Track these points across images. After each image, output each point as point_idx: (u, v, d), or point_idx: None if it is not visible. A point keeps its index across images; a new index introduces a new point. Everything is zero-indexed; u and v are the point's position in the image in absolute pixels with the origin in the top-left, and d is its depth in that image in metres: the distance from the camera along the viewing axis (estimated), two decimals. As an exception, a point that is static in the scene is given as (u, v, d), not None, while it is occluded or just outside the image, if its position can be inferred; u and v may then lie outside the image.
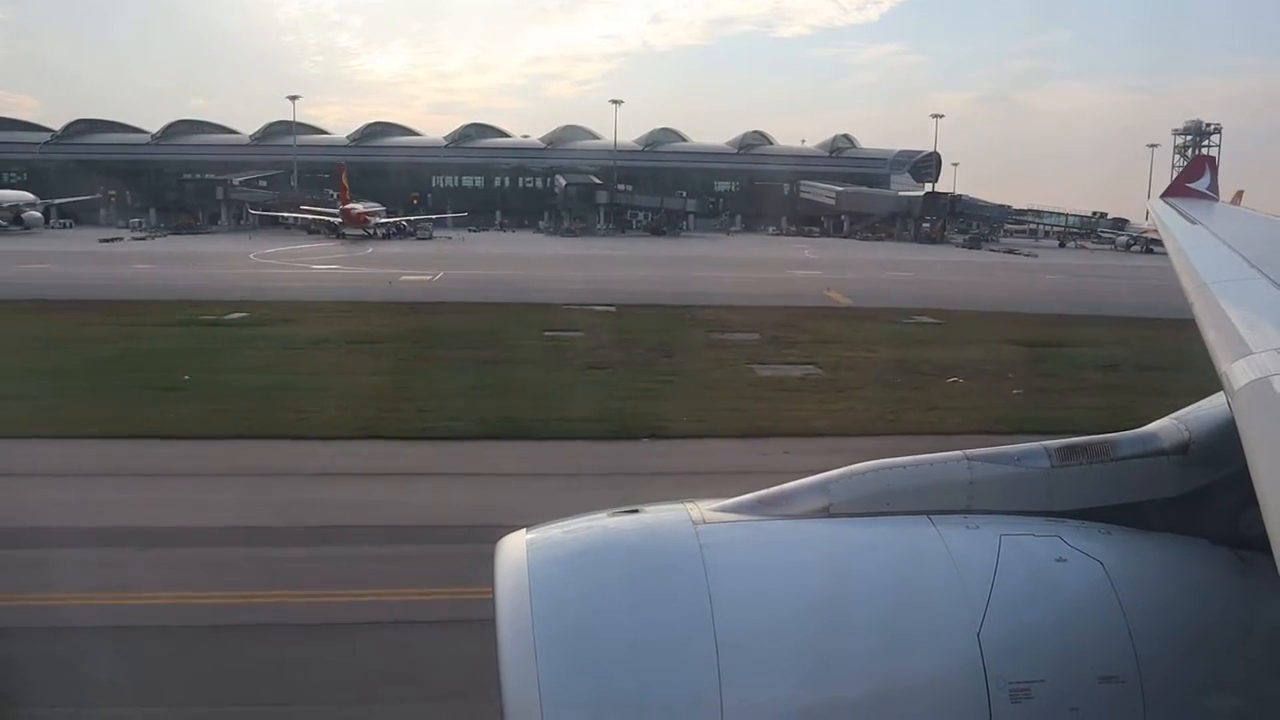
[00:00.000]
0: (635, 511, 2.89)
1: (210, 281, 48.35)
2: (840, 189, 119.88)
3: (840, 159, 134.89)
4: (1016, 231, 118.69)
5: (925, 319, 36.88)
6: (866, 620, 2.66)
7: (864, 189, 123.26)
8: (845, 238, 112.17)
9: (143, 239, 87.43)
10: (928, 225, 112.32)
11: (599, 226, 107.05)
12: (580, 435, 17.76)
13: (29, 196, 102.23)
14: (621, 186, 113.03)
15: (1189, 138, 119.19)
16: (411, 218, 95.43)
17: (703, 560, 2.65)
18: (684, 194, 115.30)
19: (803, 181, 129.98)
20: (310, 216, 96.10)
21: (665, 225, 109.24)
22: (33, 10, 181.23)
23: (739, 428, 18.78)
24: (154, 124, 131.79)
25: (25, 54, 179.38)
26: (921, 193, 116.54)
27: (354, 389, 21.64)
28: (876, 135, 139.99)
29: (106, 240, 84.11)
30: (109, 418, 18.54)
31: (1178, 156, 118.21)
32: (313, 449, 16.63)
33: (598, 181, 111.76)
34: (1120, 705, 2.65)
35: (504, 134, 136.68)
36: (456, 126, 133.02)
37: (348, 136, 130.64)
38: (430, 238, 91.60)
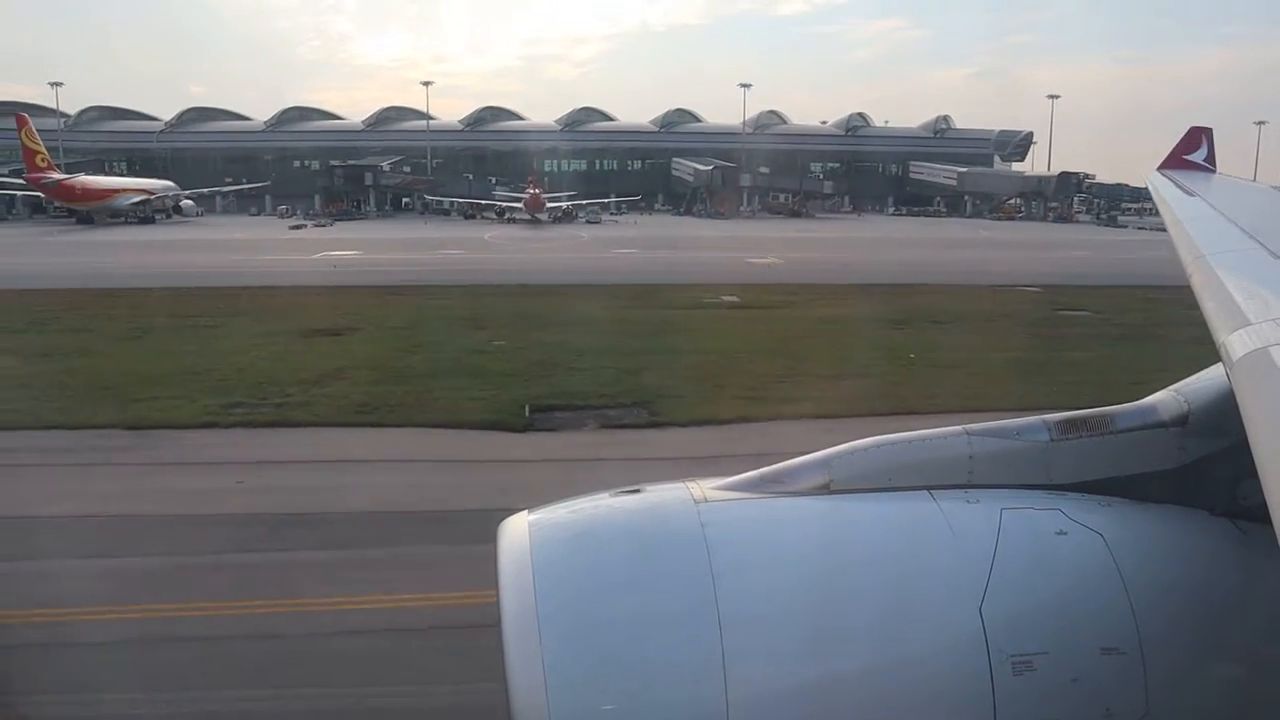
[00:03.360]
0: (637, 491, 2.91)
1: (555, 264, 48.71)
2: (963, 170, 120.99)
3: (945, 139, 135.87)
4: (1129, 209, 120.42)
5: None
6: (868, 596, 2.68)
7: (989, 169, 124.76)
8: (970, 218, 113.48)
9: (323, 226, 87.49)
10: (1055, 204, 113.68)
11: (743, 209, 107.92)
12: None
13: (172, 185, 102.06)
14: (762, 169, 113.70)
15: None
16: (583, 202, 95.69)
17: (704, 538, 2.67)
18: (820, 176, 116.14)
19: (913, 162, 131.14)
20: (485, 203, 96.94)
21: (802, 207, 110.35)
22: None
23: None
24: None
25: (21, 42, 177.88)
26: (1055, 173, 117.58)
27: (1104, 365, 22.73)
28: (884, 111, 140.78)
29: (296, 227, 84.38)
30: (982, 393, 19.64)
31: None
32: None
33: (731, 165, 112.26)
34: (1122, 676, 2.66)
35: (610, 118, 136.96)
36: (568, 110, 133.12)
37: (460, 121, 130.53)
38: (599, 222, 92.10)
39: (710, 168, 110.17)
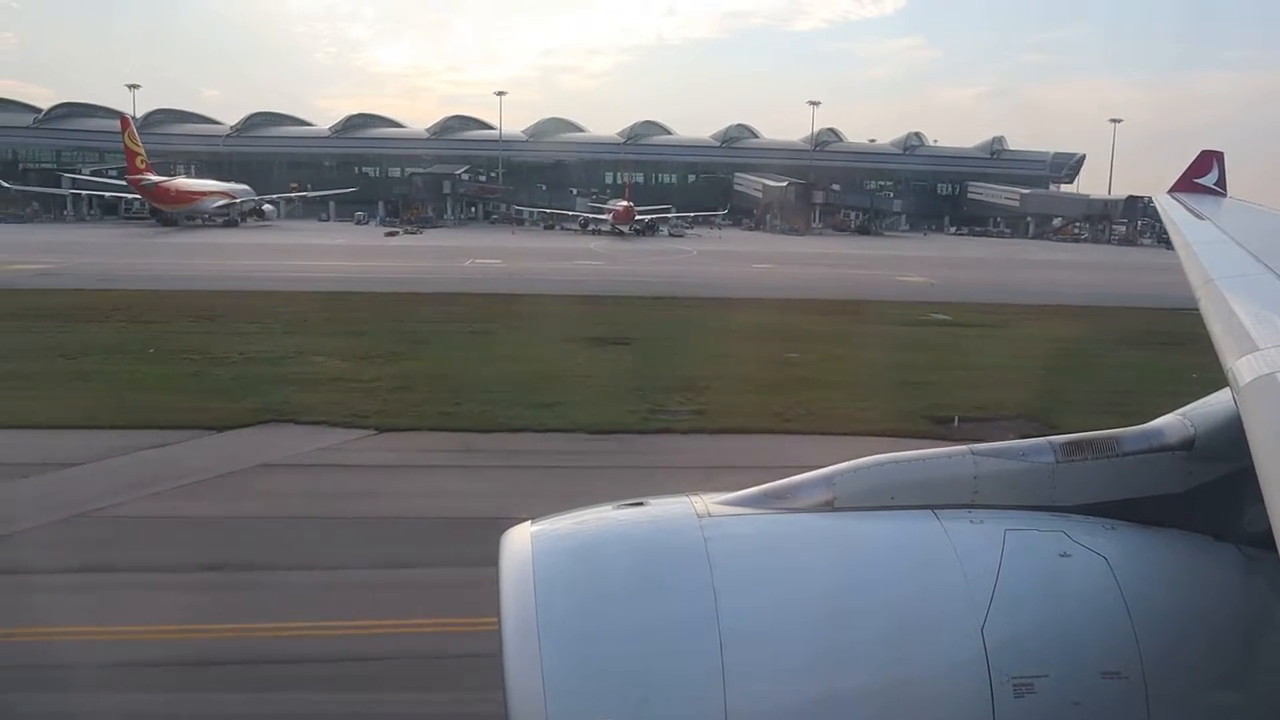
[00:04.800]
0: (640, 504, 2.92)
1: (711, 278, 49.07)
2: (1026, 191, 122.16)
3: (1001, 160, 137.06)
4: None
5: None
6: (870, 615, 2.68)
7: (1054, 191, 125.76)
8: (1034, 239, 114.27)
9: (414, 233, 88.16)
10: (1122, 227, 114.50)
11: (815, 225, 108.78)
12: None
13: (248, 189, 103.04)
14: (834, 186, 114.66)
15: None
16: (671, 215, 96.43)
17: (707, 553, 2.68)
18: (891, 194, 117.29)
19: (971, 182, 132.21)
20: (571, 213, 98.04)
21: (871, 225, 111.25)
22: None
23: None
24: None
25: (36, 43, 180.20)
26: (1122, 196, 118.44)
27: None
28: (901, 129, 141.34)
29: (391, 234, 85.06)
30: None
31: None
32: None
33: (804, 182, 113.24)
34: (1123, 701, 2.65)
35: (669, 131, 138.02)
36: (630, 123, 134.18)
37: (523, 131, 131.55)
38: (683, 235, 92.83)
39: (784, 184, 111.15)
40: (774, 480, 2.96)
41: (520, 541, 2.79)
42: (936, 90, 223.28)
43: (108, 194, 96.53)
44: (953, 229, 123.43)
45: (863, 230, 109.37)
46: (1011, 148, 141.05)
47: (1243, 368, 2.83)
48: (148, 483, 13.49)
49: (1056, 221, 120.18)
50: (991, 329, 33.03)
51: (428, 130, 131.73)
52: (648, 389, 20.51)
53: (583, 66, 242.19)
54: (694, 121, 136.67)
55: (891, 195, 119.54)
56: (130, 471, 14.12)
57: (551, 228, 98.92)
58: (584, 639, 2.55)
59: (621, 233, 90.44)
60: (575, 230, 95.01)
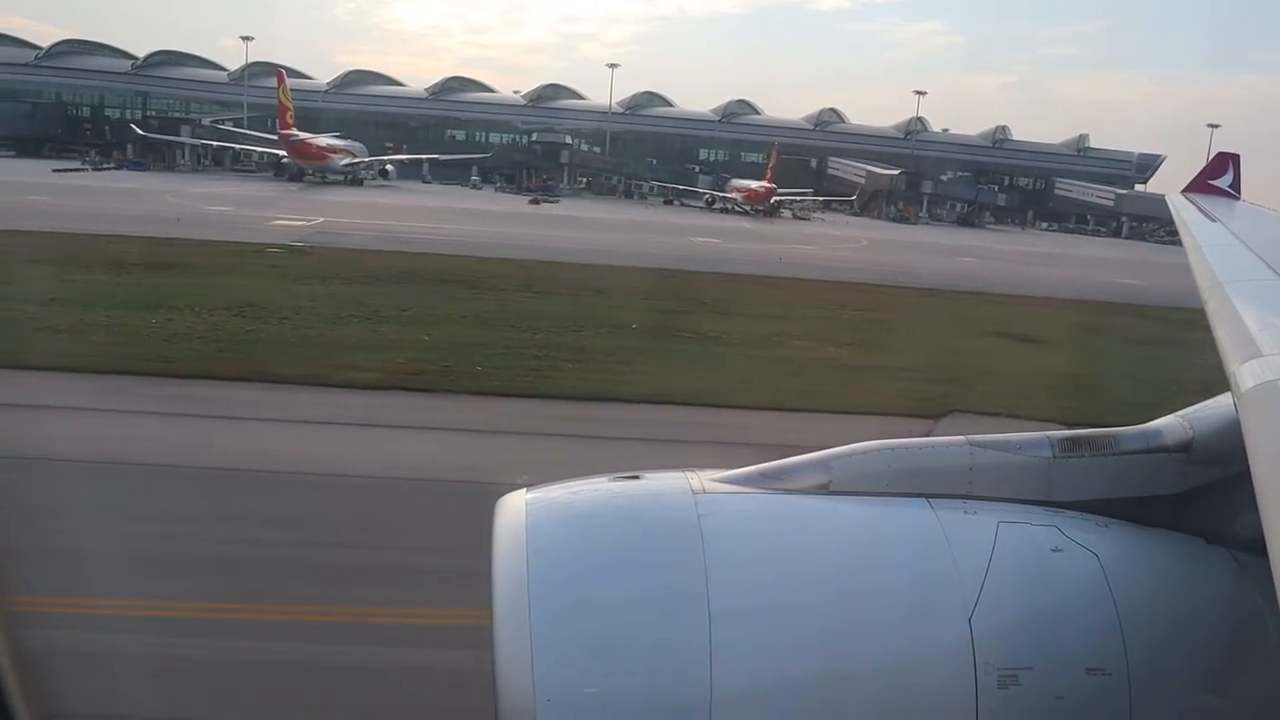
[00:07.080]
0: (636, 477, 2.94)
1: (940, 270, 49.57)
2: (1123, 191, 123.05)
3: (1087, 158, 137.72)
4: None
5: None
6: (860, 599, 2.70)
7: (1151, 193, 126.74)
8: (1128, 239, 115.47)
9: (552, 202, 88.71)
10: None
11: (921, 216, 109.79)
12: None
13: (363, 147, 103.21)
14: (944, 176, 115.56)
15: None
16: (800, 197, 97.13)
17: (700, 530, 2.70)
18: (995, 187, 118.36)
19: (1059, 179, 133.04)
20: (702, 191, 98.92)
21: (974, 217, 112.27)
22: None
23: None
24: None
25: None
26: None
27: None
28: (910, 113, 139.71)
29: (534, 202, 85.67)
30: None
31: None
32: None
33: (912, 171, 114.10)
34: (1105, 698, 2.66)
35: (758, 110, 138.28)
36: (724, 101, 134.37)
37: (619, 104, 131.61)
38: (809, 219, 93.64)
39: (895, 172, 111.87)
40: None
41: (515, 509, 2.84)
42: (962, 77, 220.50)
43: (238, 146, 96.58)
44: (1042, 225, 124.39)
45: (965, 222, 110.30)
46: (1018, 138, 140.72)
47: (1245, 373, 2.86)
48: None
49: (1149, 224, 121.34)
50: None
51: (523, 97, 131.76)
52: (1177, 393, 21.83)
53: (602, 35, 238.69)
54: (708, 97, 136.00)
55: (996, 189, 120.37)
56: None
57: (670, 203, 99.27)
58: (573, 609, 2.60)
59: (746, 212, 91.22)
60: (699, 207, 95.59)
